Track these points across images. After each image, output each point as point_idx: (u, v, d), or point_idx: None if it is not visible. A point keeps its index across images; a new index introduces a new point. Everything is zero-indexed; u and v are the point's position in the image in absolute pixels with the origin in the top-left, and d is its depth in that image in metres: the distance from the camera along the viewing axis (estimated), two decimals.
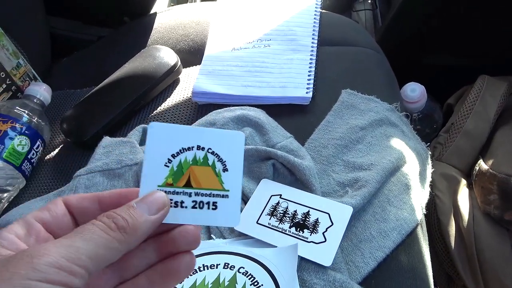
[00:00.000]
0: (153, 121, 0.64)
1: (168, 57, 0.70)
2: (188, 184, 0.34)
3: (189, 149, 0.35)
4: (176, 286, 0.41)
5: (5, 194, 0.60)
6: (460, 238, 0.70)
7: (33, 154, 0.63)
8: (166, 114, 0.66)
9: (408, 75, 0.83)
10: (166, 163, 0.35)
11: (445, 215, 0.71)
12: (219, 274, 0.42)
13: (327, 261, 0.41)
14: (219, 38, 0.70)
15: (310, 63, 0.63)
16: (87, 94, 0.68)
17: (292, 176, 0.49)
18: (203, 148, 0.35)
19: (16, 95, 0.73)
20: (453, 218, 0.71)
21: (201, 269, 0.42)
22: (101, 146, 0.55)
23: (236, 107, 0.58)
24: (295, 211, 0.46)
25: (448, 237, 0.70)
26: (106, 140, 0.57)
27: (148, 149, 0.34)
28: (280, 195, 0.48)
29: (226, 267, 0.42)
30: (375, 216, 0.46)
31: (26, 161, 0.62)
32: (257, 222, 0.45)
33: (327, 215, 0.45)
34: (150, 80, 0.67)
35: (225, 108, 0.58)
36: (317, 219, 0.45)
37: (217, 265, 0.43)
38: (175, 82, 0.71)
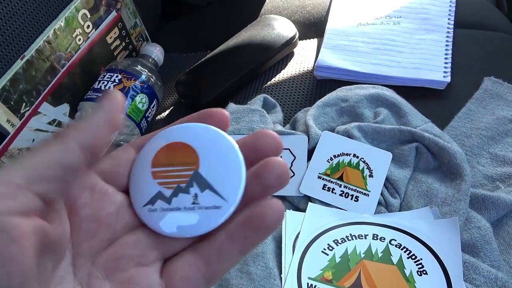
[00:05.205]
0: (268, 91, 0.63)
1: (287, 28, 0.68)
2: (340, 178, 0.47)
3: (347, 154, 0.48)
4: (327, 253, 0.40)
5: None
6: None
7: (149, 113, 0.64)
8: (283, 86, 0.64)
9: None
10: (328, 159, 0.48)
11: None
12: (370, 244, 0.40)
13: (296, 191, 0.46)
14: (343, 11, 0.67)
15: (447, 45, 0.59)
16: (203, 58, 0.67)
17: (436, 161, 0.46)
18: (357, 157, 0.48)
19: (131, 55, 0.74)
20: None
21: (349, 238, 0.41)
22: (229, 112, 0.54)
23: (367, 85, 0.55)
24: None
25: None
26: (233, 106, 0.56)
27: (318, 146, 0.48)
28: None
29: (375, 238, 0.40)
30: None
31: (144, 119, 0.63)
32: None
33: (288, 150, 0.48)
34: (269, 50, 0.66)
35: (355, 85, 0.55)
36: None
37: (365, 235, 0.41)
38: (290, 55, 0.69)
